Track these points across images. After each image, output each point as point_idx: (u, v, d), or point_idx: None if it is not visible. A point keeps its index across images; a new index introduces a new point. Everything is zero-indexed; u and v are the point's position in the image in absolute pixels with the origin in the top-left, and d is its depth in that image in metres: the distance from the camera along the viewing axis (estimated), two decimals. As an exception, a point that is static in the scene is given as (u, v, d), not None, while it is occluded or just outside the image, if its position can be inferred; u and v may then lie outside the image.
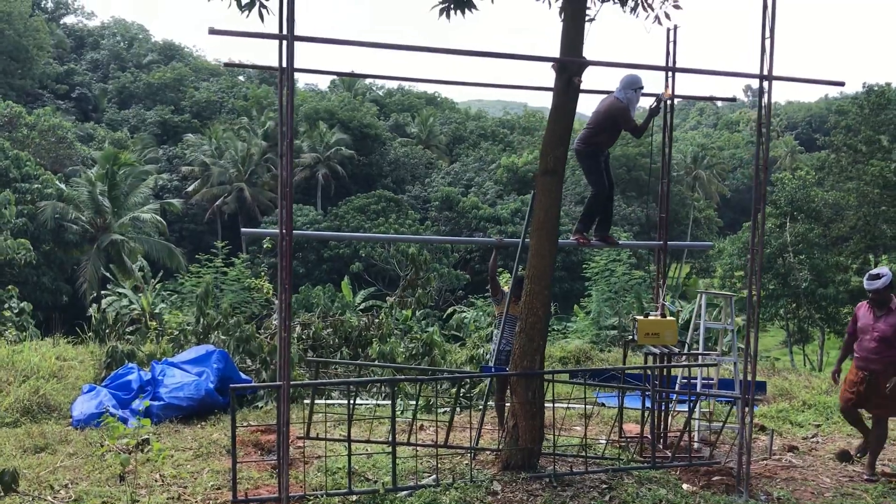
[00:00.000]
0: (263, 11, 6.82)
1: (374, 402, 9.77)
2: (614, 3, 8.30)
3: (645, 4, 8.34)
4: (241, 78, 76.29)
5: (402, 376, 9.20)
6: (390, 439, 6.42)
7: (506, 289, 8.49)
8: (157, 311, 21.49)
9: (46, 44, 61.78)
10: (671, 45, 8.14)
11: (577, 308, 31.17)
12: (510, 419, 6.79)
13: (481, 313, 23.65)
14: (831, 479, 7.23)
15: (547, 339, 7.08)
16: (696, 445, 8.09)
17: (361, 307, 28.98)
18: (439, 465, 6.68)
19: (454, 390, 9.11)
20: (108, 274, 31.42)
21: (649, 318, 8.03)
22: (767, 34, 6.51)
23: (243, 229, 8.66)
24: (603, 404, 10.29)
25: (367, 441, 7.16)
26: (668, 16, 8.26)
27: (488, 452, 7.19)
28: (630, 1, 8.29)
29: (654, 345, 7.93)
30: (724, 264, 51.59)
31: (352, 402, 7.15)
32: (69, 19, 77.12)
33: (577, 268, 39.59)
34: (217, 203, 50.40)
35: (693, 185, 75.38)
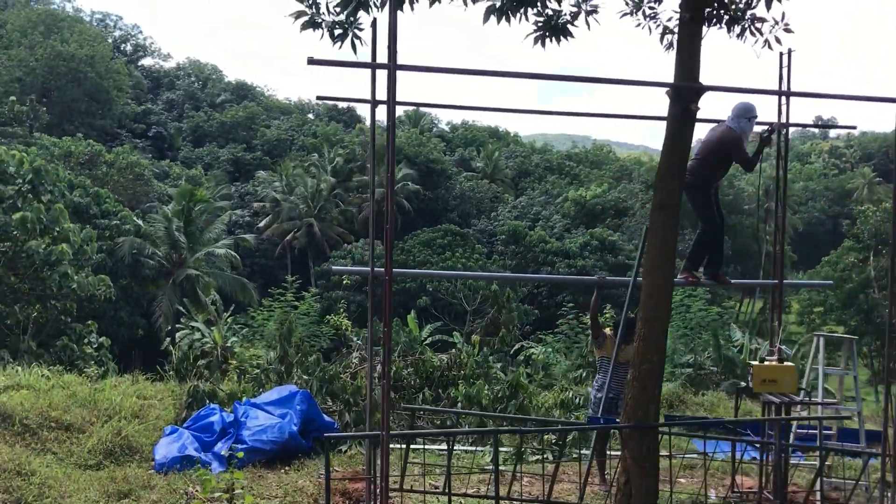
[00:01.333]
0: (357, 42, 6.55)
1: (463, 448, 9.30)
2: (719, 27, 7.84)
3: (753, 29, 7.86)
4: (310, 116, 77.65)
5: (506, 427, 8.67)
6: (493, 493, 5.95)
7: (607, 331, 8.00)
8: (228, 344, 21.51)
9: (125, 85, 63.90)
10: (785, 69, 7.62)
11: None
12: (621, 475, 6.24)
13: (550, 350, 22.98)
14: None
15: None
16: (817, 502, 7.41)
17: (428, 342, 28.64)
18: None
19: (551, 438, 8.59)
20: (181, 308, 31.80)
21: (765, 363, 7.41)
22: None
23: (334, 266, 8.37)
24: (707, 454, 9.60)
25: (465, 495, 6.70)
26: (778, 40, 7.75)
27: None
28: (737, 27, 7.83)
29: (771, 392, 7.31)
30: (802, 300, 49.76)
31: (449, 451, 6.67)
32: (147, 61, 79.89)
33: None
34: (287, 238, 50.94)
35: (765, 219, 73.38)
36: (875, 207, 42.84)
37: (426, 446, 9.25)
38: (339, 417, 9.82)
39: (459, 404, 10.56)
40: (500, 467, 8.02)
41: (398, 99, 6.57)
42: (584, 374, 13.50)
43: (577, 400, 10.72)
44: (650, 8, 7.23)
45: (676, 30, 7.42)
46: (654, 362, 6.15)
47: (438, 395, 11.05)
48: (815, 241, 76.29)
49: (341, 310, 20.44)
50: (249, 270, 48.38)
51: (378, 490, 5.62)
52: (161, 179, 51.99)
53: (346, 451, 9.23)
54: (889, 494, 6.15)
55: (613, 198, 57.36)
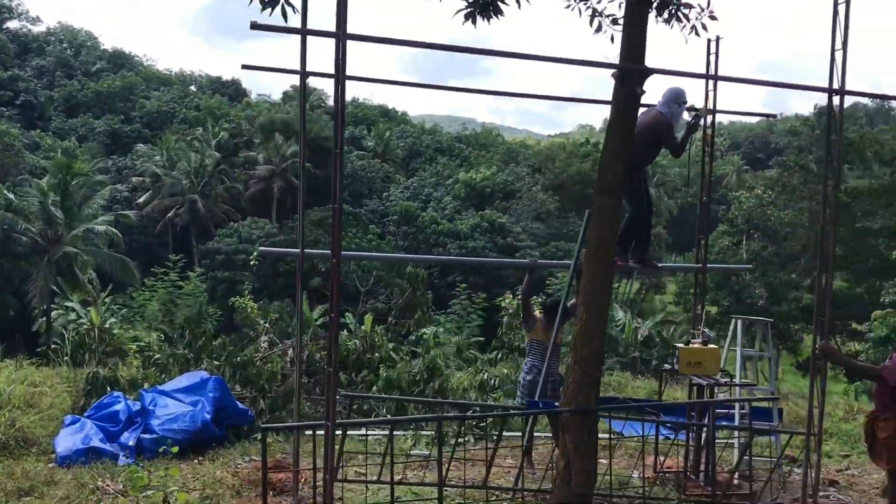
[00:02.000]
0: (289, 9, 6.16)
1: (383, 433, 9.10)
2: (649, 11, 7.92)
3: (680, 15, 7.97)
4: (192, 88, 74.59)
5: (450, 414, 8.49)
6: (431, 480, 5.82)
7: (538, 314, 7.98)
8: (107, 325, 20.43)
9: (-12, 48, 59.46)
10: (713, 56, 7.78)
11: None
12: (560, 459, 6.24)
13: (441, 330, 23.13)
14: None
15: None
16: (735, 481, 7.65)
17: (319, 322, 28.11)
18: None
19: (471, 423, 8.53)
20: (55, 287, 29.97)
21: (690, 346, 7.58)
22: (839, 46, 6.15)
23: (262, 248, 7.97)
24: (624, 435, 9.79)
25: (408, 483, 6.53)
26: (705, 27, 7.90)
27: (532, 494, 6.64)
28: (665, 12, 7.92)
29: (696, 374, 7.49)
30: (679, 281, 51.99)
31: (391, 439, 6.44)
32: (12, 24, 74.30)
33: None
34: (169, 215, 48.86)
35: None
36: (749, 194, 45.19)
37: (346, 433, 9.01)
38: (253, 404, 9.42)
39: (374, 388, 10.35)
40: (430, 453, 7.91)
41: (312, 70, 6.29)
42: (499, 356, 13.54)
43: (493, 382, 10.72)
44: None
45: (604, 13, 7.47)
46: (595, 347, 6.15)
47: (352, 378, 10.79)
48: (689, 224, 79.95)
49: (246, 291, 19.79)
50: (128, 248, 46.19)
51: (322, 481, 5.37)
52: (31, 151, 48.70)
53: (259, 440, 8.86)
54: (812, 473, 6.40)
55: (502, 180, 58.05)
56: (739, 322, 8.24)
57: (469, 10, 7.28)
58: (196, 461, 8.22)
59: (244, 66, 7.29)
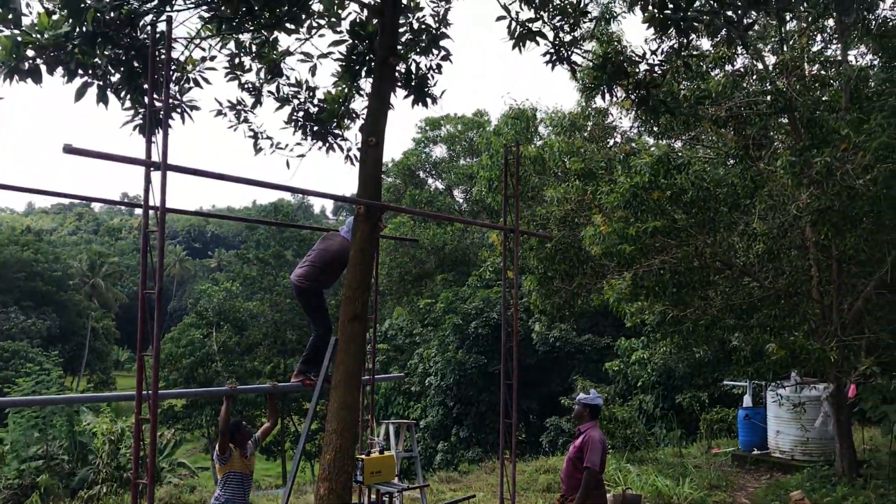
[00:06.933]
0: None
1: None
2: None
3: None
4: None
5: None
6: None
7: (232, 445, 7.51)
8: None
9: None
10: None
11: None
12: None
13: None
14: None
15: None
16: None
17: None
18: None
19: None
20: None
21: (371, 455, 7.97)
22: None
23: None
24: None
25: None
26: (356, 157, 8.69)
27: None
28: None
29: (379, 483, 7.90)
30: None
31: None
32: None
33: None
34: None
35: (91, 295, 72.33)
36: (217, 287, 46.46)
37: None
38: None
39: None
40: None
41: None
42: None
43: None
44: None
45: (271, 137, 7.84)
46: (349, 473, 6.23)
47: None
48: (135, 315, 78.05)
49: None
50: None
51: None
52: None
53: None
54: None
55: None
56: (392, 426, 8.92)
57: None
58: None
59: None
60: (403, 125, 46.30)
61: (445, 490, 13.13)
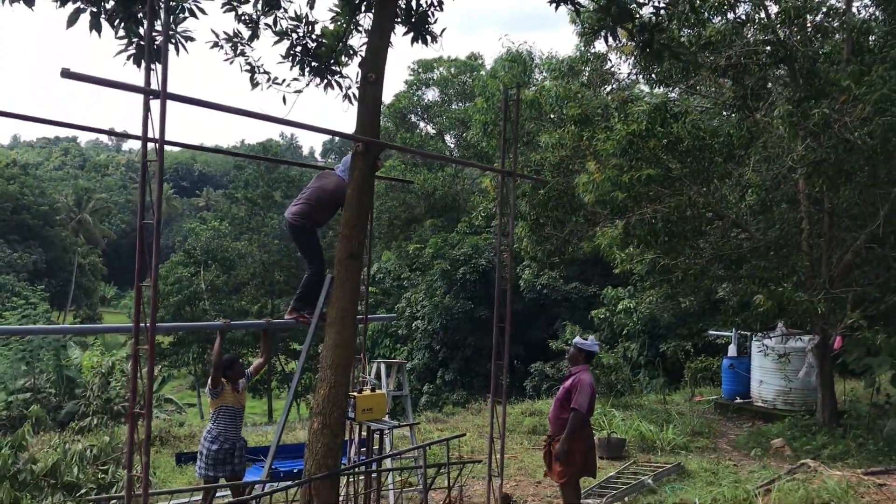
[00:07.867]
0: None
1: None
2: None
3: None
4: None
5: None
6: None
7: (224, 380, 7.56)
8: None
9: None
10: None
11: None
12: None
13: None
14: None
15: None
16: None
17: None
18: None
19: None
20: None
21: (363, 393, 8.04)
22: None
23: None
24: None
25: None
26: (355, 96, 8.57)
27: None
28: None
29: (370, 420, 7.99)
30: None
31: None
32: None
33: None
34: None
35: (78, 231, 71.88)
36: (205, 226, 46.26)
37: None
38: None
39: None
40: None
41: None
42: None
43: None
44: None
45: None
46: (343, 409, 6.29)
47: None
48: (127, 252, 77.91)
49: None
50: None
51: None
52: None
53: None
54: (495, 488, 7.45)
55: None
56: (383, 365, 8.99)
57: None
58: None
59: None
60: (395, 68, 45.66)
61: (433, 429, 13.33)
